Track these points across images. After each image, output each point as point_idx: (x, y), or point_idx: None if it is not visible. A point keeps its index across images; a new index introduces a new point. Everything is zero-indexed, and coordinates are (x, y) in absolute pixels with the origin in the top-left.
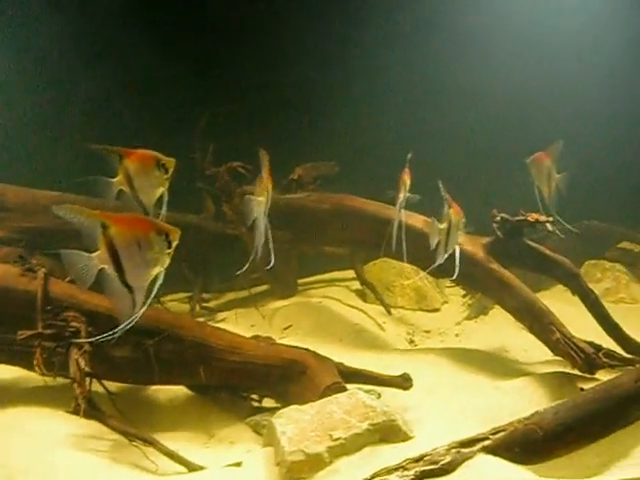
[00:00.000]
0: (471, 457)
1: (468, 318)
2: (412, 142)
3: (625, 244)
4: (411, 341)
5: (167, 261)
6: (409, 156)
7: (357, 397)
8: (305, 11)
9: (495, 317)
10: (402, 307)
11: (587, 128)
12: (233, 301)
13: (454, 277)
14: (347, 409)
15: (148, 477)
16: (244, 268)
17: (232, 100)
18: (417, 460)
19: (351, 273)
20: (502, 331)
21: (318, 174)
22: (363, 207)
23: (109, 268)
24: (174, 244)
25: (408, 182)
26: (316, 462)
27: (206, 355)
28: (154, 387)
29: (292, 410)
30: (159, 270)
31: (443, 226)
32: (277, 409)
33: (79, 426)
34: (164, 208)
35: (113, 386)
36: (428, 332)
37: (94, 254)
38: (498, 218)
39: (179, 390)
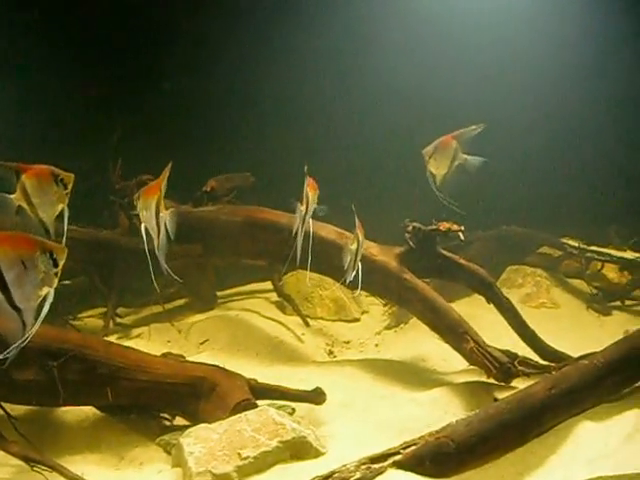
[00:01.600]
0: (382, 472)
1: (388, 328)
2: (320, 152)
3: (545, 249)
4: (330, 352)
5: (55, 281)
6: (305, 168)
7: (267, 414)
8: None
9: (416, 326)
10: (321, 318)
11: (507, 135)
12: (149, 316)
13: (358, 290)
14: (257, 427)
15: None
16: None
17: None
18: (326, 478)
19: (268, 285)
20: (421, 340)
21: (232, 186)
22: (276, 219)
23: None
24: (61, 263)
25: (312, 193)
26: None
27: (113, 375)
28: (63, 409)
29: (201, 429)
30: (47, 290)
31: (353, 246)
32: (188, 428)
33: None
34: (65, 224)
35: (20, 409)
36: (347, 343)
37: None
38: (410, 228)
39: (89, 411)
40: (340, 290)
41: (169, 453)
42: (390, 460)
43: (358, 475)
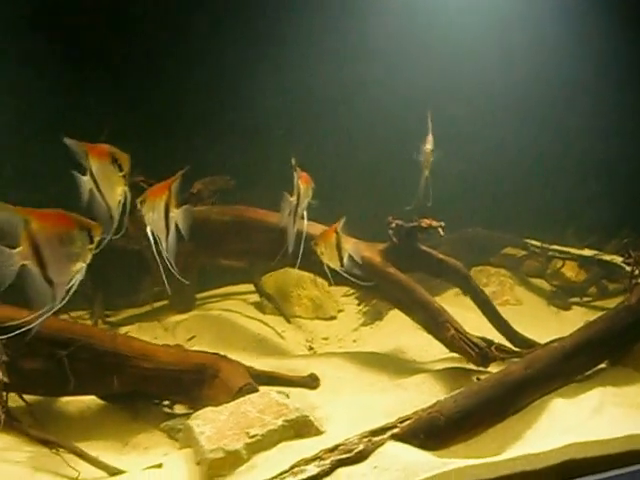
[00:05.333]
0: (382, 444)
1: (364, 324)
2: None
3: (508, 249)
4: (310, 348)
5: (89, 256)
6: (293, 161)
7: (269, 397)
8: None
9: (390, 322)
10: (299, 316)
11: (474, 131)
12: (133, 316)
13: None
14: (261, 408)
15: None
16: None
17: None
18: (332, 450)
19: (245, 287)
20: (397, 335)
21: (216, 188)
22: (264, 218)
23: (31, 264)
24: (96, 239)
25: (304, 186)
26: (235, 459)
27: (119, 363)
28: (64, 399)
29: (208, 411)
30: (81, 265)
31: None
32: (190, 414)
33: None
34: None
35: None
36: (326, 339)
37: (15, 250)
38: (393, 224)
39: (90, 401)
40: (317, 289)
41: (173, 438)
42: (388, 433)
43: (361, 447)
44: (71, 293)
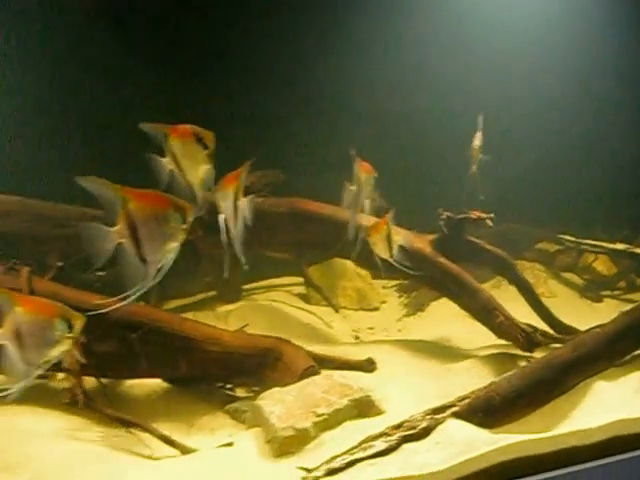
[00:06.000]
0: (443, 422)
1: (407, 315)
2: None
3: (542, 244)
4: (357, 337)
5: (182, 236)
6: (352, 151)
7: (332, 378)
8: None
9: (432, 312)
10: (345, 307)
11: (515, 128)
12: (183, 306)
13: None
14: (325, 389)
15: (146, 462)
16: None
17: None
18: (397, 427)
19: (287, 279)
20: (441, 324)
21: (267, 181)
22: (318, 210)
23: (127, 242)
24: (189, 220)
25: (365, 175)
26: (304, 437)
27: (187, 347)
28: (128, 382)
29: (275, 392)
30: (174, 245)
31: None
32: (251, 397)
33: (66, 420)
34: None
35: (90, 382)
36: (372, 329)
37: (113, 228)
38: (444, 216)
39: (155, 384)
40: (361, 281)
41: (237, 419)
42: (449, 411)
43: (424, 424)
44: (164, 272)
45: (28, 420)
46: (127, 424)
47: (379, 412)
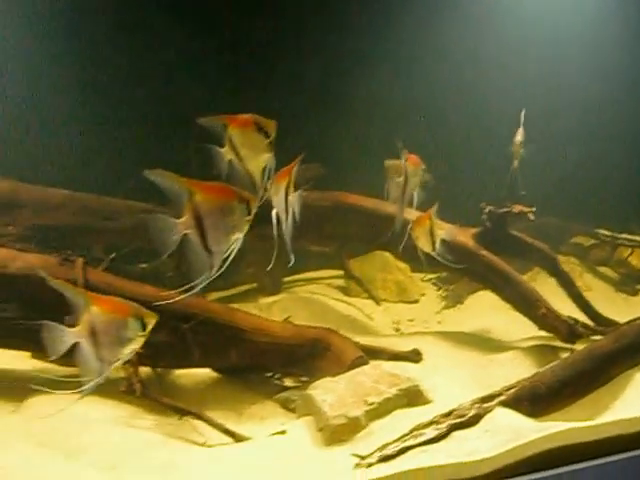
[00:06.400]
0: (491, 410)
1: (446, 307)
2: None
3: (577, 238)
4: (397, 329)
5: (246, 227)
6: (399, 144)
7: (381, 368)
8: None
9: (470, 305)
10: (384, 300)
11: (554, 123)
12: (224, 298)
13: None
14: (375, 378)
15: (200, 449)
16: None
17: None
18: (447, 415)
19: (325, 272)
20: (480, 316)
21: (310, 175)
22: (361, 203)
23: (192, 233)
24: (253, 211)
25: (413, 168)
26: (355, 425)
27: (237, 337)
28: (177, 372)
29: (326, 381)
30: (238, 236)
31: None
32: (299, 386)
33: (121, 408)
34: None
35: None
36: (412, 321)
37: (179, 220)
38: (487, 210)
39: (203, 373)
40: (401, 273)
41: (287, 408)
42: (496, 400)
43: (473, 412)
44: (228, 262)
45: (87, 408)
46: (182, 412)
47: (427, 401)
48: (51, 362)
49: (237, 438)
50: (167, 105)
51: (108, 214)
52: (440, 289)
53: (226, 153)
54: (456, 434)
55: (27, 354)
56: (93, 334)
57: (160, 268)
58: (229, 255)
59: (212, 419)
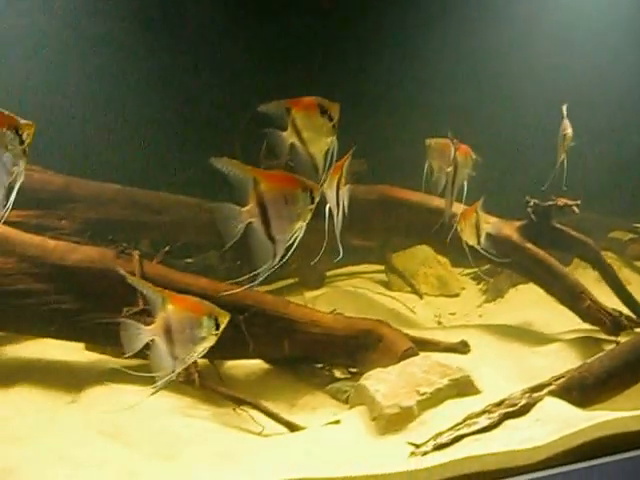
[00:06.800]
0: (541, 400)
1: (487, 301)
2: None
3: (615, 233)
4: (439, 322)
5: (309, 216)
6: (449, 134)
7: (431, 359)
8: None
9: (511, 299)
10: (425, 293)
11: (594, 118)
12: (268, 292)
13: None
14: (425, 369)
15: (256, 438)
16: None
17: None
18: (498, 404)
19: (365, 267)
20: (522, 309)
21: (354, 170)
22: (407, 197)
23: (256, 221)
24: (316, 200)
25: (462, 157)
26: (408, 415)
27: (291, 328)
28: (228, 363)
29: (378, 372)
30: (301, 224)
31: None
32: (348, 377)
33: (177, 398)
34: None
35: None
36: (453, 314)
37: (244, 208)
38: (531, 203)
39: (254, 365)
40: (442, 268)
41: (337, 399)
42: (546, 390)
43: (524, 401)
44: (292, 251)
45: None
46: (239, 402)
47: (476, 392)
48: (104, 354)
49: (292, 428)
50: (227, 94)
51: (157, 208)
52: (480, 283)
53: (288, 136)
54: (508, 423)
55: (81, 346)
56: (168, 332)
57: (205, 262)
58: (292, 244)
59: (268, 409)
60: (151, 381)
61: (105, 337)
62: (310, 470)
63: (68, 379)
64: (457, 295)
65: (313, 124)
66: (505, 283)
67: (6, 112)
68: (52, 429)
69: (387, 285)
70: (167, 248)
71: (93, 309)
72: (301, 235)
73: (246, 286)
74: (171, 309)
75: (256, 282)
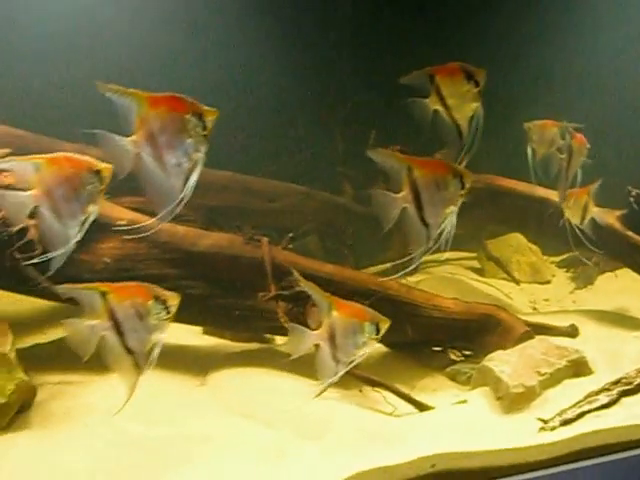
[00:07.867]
0: None
1: (578, 288)
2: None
3: None
4: (534, 308)
5: (460, 201)
6: (565, 123)
7: (548, 341)
8: None
9: (601, 286)
10: (519, 280)
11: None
12: None
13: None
14: (543, 351)
15: (388, 418)
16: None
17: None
18: (616, 382)
19: (457, 254)
20: (615, 296)
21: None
22: (513, 186)
23: (410, 207)
24: (467, 186)
25: (578, 145)
26: (531, 394)
27: (414, 313)
28: None
29: (499, 354)
30: (452, 209)
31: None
32: (468, 360)
33: (302, 381)
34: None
35: None
36: (547, 300)
37: (399, 194)
38: (634, 193)
39: (373, 349)
40: (534, 255)
41: (457, 381)
42: None
43: (639, 380)
44: (444, 236)
45: (273, 380)
46: (373, 384)
47: (590, 372)
48: (223, 338)
49: (422, 408)
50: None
51: (269, 196)
52: (568, 271)
53: (432, 103)
54: (625, 400)
55: (199, 330)
56: (332, 337)
57: (304, 247)
58: (444, 228)
59: (400, 389)
60: (273, 365)
61: (234, 323)
62: (456, 446)
63: (192, 363)
64: (548, 282)
65: (458, 90)
66: (594, 270)
67: (189, 98)
68: (187, 411)
69: (480, 272)
70: (291, 235)
71: (223, 295)
72: (453, 220)
73: (400, 273)
74: (336, 315)
75: (412, 266)
